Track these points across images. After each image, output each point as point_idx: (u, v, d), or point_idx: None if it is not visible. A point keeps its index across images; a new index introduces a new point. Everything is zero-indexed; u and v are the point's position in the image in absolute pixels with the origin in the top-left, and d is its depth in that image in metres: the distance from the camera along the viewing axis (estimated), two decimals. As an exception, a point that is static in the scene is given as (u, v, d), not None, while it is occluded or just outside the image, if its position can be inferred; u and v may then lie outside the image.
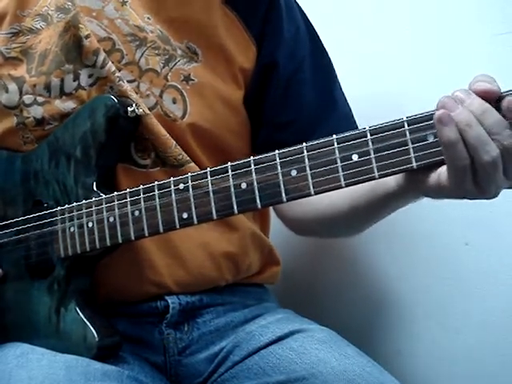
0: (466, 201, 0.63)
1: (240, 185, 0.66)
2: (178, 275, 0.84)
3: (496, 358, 0.95)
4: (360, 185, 0.64)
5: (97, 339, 0.76)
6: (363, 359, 0.79)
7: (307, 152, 0.63)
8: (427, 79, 1.00)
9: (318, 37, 0.95)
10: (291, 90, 0.90)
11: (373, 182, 0.68)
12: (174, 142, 0.83)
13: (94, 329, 0.76)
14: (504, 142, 0.55)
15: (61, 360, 0.74)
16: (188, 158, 0.84)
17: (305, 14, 0.96)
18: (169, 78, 0.84)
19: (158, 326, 0.84)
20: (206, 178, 0.68)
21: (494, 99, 0.56)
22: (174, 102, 0.84)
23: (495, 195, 0.60)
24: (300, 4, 0.96)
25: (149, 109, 0.82)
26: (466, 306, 0.98)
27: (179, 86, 0.84)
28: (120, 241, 0.74)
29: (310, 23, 0.95)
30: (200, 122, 0.85)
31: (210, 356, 0.85)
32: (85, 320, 0.77)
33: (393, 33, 1.07)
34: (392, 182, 0.68)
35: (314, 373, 0.76)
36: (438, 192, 0.61)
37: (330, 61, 0.95)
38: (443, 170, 0.59)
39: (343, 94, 0.94)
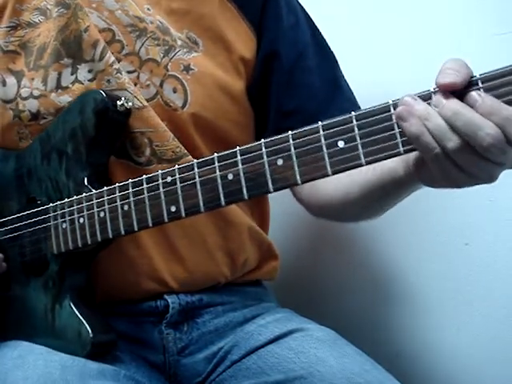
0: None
1: (227, 175, 0.65)
2: (176, 271, 0.84)
3: (496, 359, 0.94)
4: (370, 173, 0.62)
5: (91, 335, 0.75)
6: (362, 358, 0.78)
7: (293, 140, 0.62)
8: (427, 79, 0.99)
9: (315, 24, 0.95)
10: (295, 78, 0.90)
11: (380, 170, 0.68)
12: (172, 135, 0.83)
13: (89, 325, 0.76)
14: (479, 142, 0.53)
15: (57, 360, 0.74)
16: (186, 151, 0.83)
17: (300, 4, 0.96)
18: (169, 67, 0.85)
19: (157, 326, 0.84)
20: (193, 169, 0.67)
21: (461, 89, 0.54)
22: (175, 91, 0.84)
23: (491, 179, 0.57)
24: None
25: (149, 99, 0.83)
26: (466, 306, 0.97)
27: (179, 76, 0.85)
28: (110, 236, 0.73)
29: (306, 12, 0.96)
30: (200, 111, 0.85)
31: (208, 356, 0.84)
32: (79, 316, 0.76)
33: (392, 32, 1.06)
34: (400, 170, 0.67)
35: (313, 372, 0.75)
36: (432, 182, 0.61)
37: (330, 47, 0.95)
38: None
39: (345, 79, 0.94)
